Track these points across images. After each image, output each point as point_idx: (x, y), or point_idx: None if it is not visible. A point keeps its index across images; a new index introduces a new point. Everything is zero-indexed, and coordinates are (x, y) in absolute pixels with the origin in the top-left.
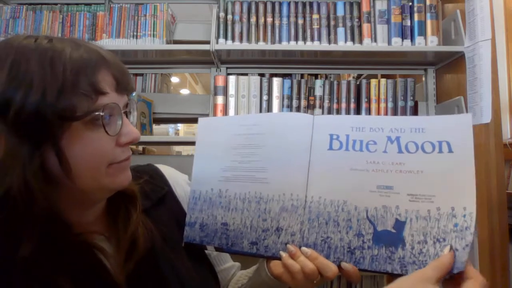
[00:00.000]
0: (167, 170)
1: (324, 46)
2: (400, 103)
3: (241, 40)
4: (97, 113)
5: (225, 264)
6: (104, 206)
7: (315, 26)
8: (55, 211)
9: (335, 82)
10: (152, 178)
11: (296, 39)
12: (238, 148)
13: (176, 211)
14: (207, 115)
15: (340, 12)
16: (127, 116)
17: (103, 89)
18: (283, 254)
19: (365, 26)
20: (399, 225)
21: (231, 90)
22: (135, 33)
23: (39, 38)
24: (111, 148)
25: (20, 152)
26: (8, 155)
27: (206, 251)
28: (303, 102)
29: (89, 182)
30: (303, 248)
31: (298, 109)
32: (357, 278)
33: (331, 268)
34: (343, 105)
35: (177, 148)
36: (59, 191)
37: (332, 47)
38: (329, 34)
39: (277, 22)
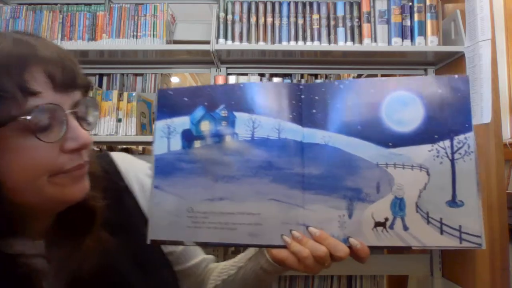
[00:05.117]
0: (121, 161)
1: (324, 46)
2: None
3: (241, 40)
4: (23, 117)
5: (195, 259)
6: (51, 221)
7: (315, 26)
8: None
9: None
10: (106, 173)
11: (296, 39)
12: None
13: (133, 210)
14: None
15: (340, 12)
16: (79, 117)
17: (32, 89)
18: (288, 240)
19: (365, 26)
20: None
21: None
22: (135, 33)
23: None
24: (54, 156)
25: None
26: None
27: (168, 250)
28: None
29: (31, 195)
30: (311, 228)
31: None
32: (366, 255)
33: (342, 247)
34: None
35: None
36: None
37: (332, 47)
38: (329, 34)
39: (277, 22)
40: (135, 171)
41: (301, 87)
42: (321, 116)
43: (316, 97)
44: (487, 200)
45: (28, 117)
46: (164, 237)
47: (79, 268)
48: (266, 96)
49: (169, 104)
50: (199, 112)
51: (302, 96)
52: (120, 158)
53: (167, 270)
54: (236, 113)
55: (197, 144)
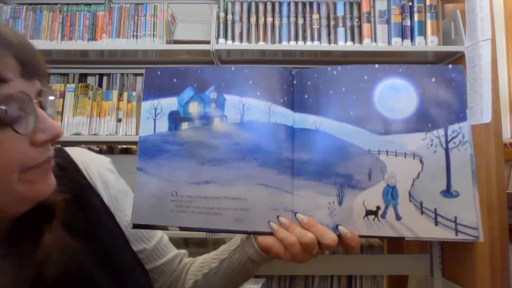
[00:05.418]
0: (79, 156)
1: (324, 46)
2: None
3: (241, 40)
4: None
5: (167, 255)
6: (6, 227)
7: (315, 26)
8: None
9: None
10: (64, 171)
11: (296, 39)
12: None
13: (98, 208)
14: None
15: (340, 12)
16: (42, 107)
17: (3, 76)
18: (274, 226)
19: (365, 26)
20: None
21: None
22: (135, 33)
23: None
24: (25, 150)
25: None
26: None
27: (138, 248)
28: None
29: (0, 196)
30: (299, 215)
31: None
32: (356, 244)
33: (331, 235)
34: None
35: None
36: None
37: (332, 47)
38: (329, 34)
39: (277, 22)
40: (96, 167)
41: (293, 72)
42: (313, 102)
43: (309, 83)
44: (487, 200)
45: (3, 107)
46: (146, 221)
47: (41, 271)
48: (257, 79)
49: (157, 84)
50: (187, 93)
51: (294, 82)
52: (77, 154)
53: (138, 269)
54: (226, 95)
55: (184, 126)
